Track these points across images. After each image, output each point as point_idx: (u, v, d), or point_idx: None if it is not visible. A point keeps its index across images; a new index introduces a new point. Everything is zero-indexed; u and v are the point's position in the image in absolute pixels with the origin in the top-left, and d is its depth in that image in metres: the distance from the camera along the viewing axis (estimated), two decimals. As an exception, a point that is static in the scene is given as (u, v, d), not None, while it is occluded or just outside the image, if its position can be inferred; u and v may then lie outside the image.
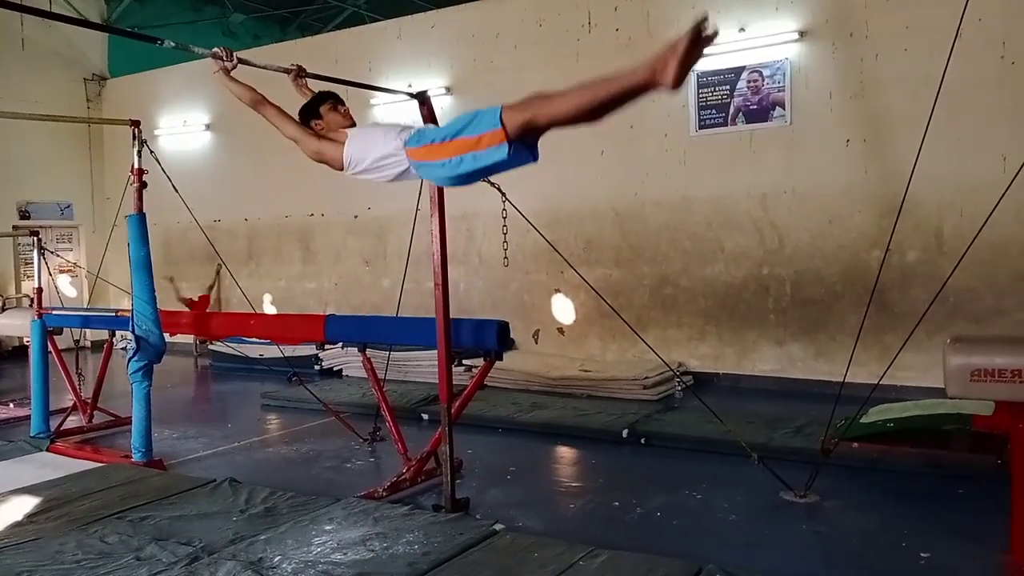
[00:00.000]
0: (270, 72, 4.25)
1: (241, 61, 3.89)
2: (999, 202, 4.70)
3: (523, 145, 3.12)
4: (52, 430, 6.96)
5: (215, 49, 3.85)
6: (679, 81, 2.64)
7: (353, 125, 3.87)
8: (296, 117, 3.85)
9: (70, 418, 7.23)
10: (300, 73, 4.25)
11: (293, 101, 4.31)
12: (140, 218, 5.97)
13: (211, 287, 12.24)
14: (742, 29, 8.42)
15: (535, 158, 3.24)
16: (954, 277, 5.42)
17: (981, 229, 4.80)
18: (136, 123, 6.22)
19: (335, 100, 3.91)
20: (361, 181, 3.98)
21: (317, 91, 4.03)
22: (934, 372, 5.64)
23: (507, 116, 3.01)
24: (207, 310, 11.54)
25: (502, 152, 3.07)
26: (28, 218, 12.79)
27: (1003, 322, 7.28)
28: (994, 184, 5.75)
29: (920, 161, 5.05)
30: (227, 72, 3.85)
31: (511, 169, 3.27)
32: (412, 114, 7.08)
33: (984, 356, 3.80)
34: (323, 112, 3.85)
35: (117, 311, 7.37)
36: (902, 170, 5.97)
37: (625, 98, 2.82)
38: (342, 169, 3.77)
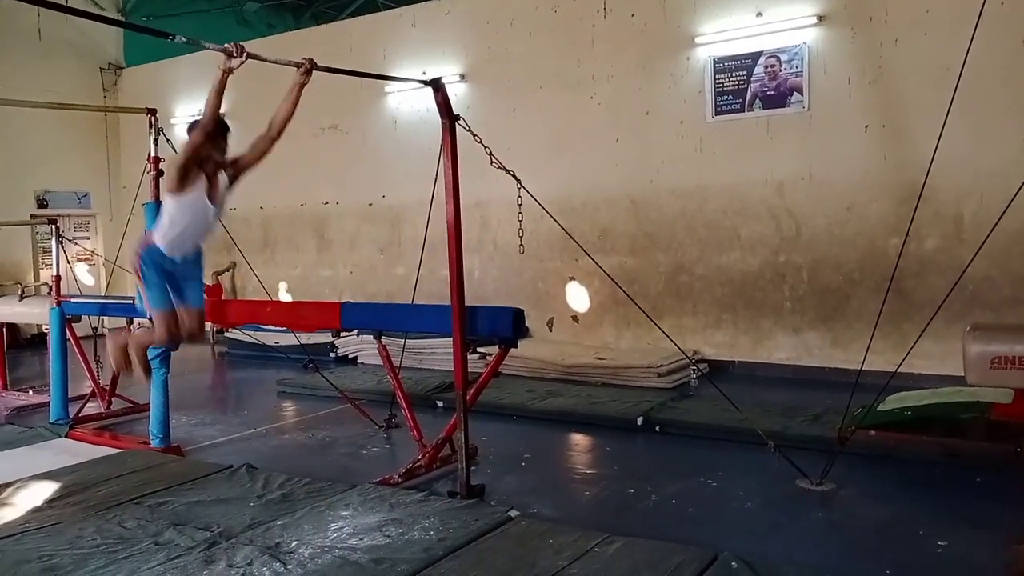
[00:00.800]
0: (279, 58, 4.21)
1: (252, 56, 3.86)
2: (1020, 189, 4.63)
3: None
4: (71, 417, 7.03)
5: (226, 45, 3.83)
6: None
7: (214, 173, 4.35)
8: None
9: (89, 405, 7.30)
10: (312, 68, 4.20)
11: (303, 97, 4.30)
12: (157, 206, 6.00)
13: (221, 273, 12.27)
14: (759, 14, 8.33)
15: None
16: (972, 265, 5.37)
17: (1001, 216, 4.75)
18: (152, 111, 6.25)
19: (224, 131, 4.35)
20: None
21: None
22: (952, 360, 5.61)
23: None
24: (222, 298, 11.60)
25: None
26: (46, 207, 12.89)
27: (1020, 310, 7.19)
28: (1014, 171, 5.69)
29: (939, 148, 4.99)
30: (228, 73, 3.87)
31: None
32: (427, 101, 7.05)
33: (1004, 344, 3.79)
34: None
35: (134, 299, 7.41)
36: (921, 157, 5.90)
37: None
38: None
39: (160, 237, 4.42)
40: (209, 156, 4.30)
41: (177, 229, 4.37)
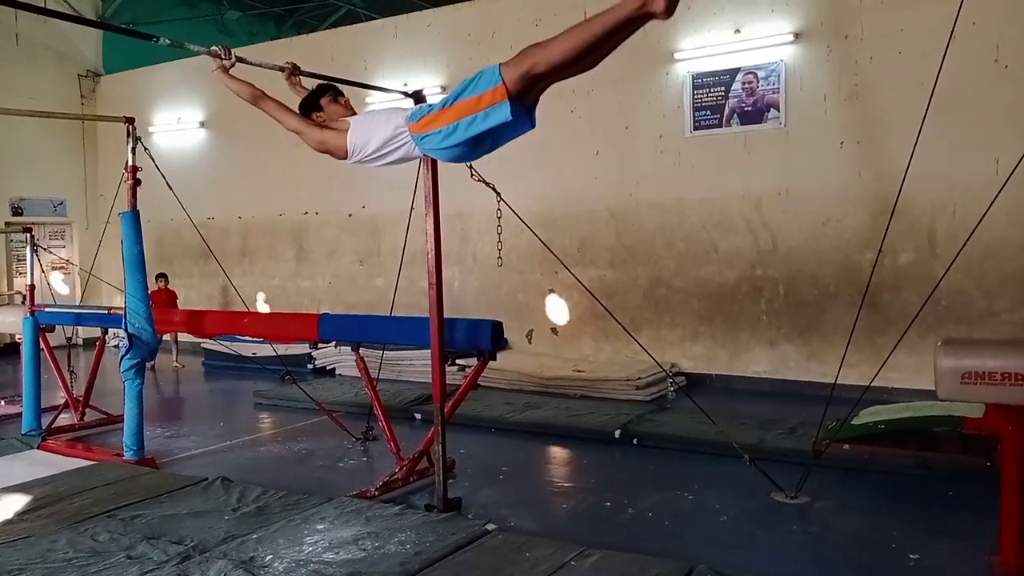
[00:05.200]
0: (264, 70, 4.25)
1: (238, 59, 3.89)
2: (992, 204, 4.71)
3: (523, 107, 3.13)
4: (43, 428, 6.93)
5: (213, 47, 3.85)
6: (671, 6, 2.70)
7: (354, 114, 3.94)
8: (296, 110, 3.94)
9: (62, 416, 7.21)
10: (295, 71, 4.26)
11: (289, 100, 4.32)
12: (134, 215, 5.96)
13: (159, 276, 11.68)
14: (737, 31, 8.43)
15: (533, 124, 3.27)
16: (946, 279, 5.44)
17: (974, 231, 4.82)
18: (130, 120, 6.20)
19: (335, 92, 4.00)
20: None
21: (316, 85, 4.10)
22: (925, 374, 5.66)
23: (506, 71, 3.03)
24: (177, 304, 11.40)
25: (504, 112, 3.05)
26: (21, 214, 12.75)
27: (994, 323, 7.31)
28: (987, 186, 5.78)
29: (913, 163, 5.06)
30: (225, 70, 3.87)
31: (509, 139, 3.30)
32: (407, 113, 7.01)
33: (975, 359, 3.81)
34: (323, 104, 3.94)
35: (110, 308, 7.35)
36: (896, 172, 5.97)
37: (618, 32, 2.87)
38: (345, 157, 3.81)
39: (408, 128, 3.65)
40: (330, 115, 3.94)
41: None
